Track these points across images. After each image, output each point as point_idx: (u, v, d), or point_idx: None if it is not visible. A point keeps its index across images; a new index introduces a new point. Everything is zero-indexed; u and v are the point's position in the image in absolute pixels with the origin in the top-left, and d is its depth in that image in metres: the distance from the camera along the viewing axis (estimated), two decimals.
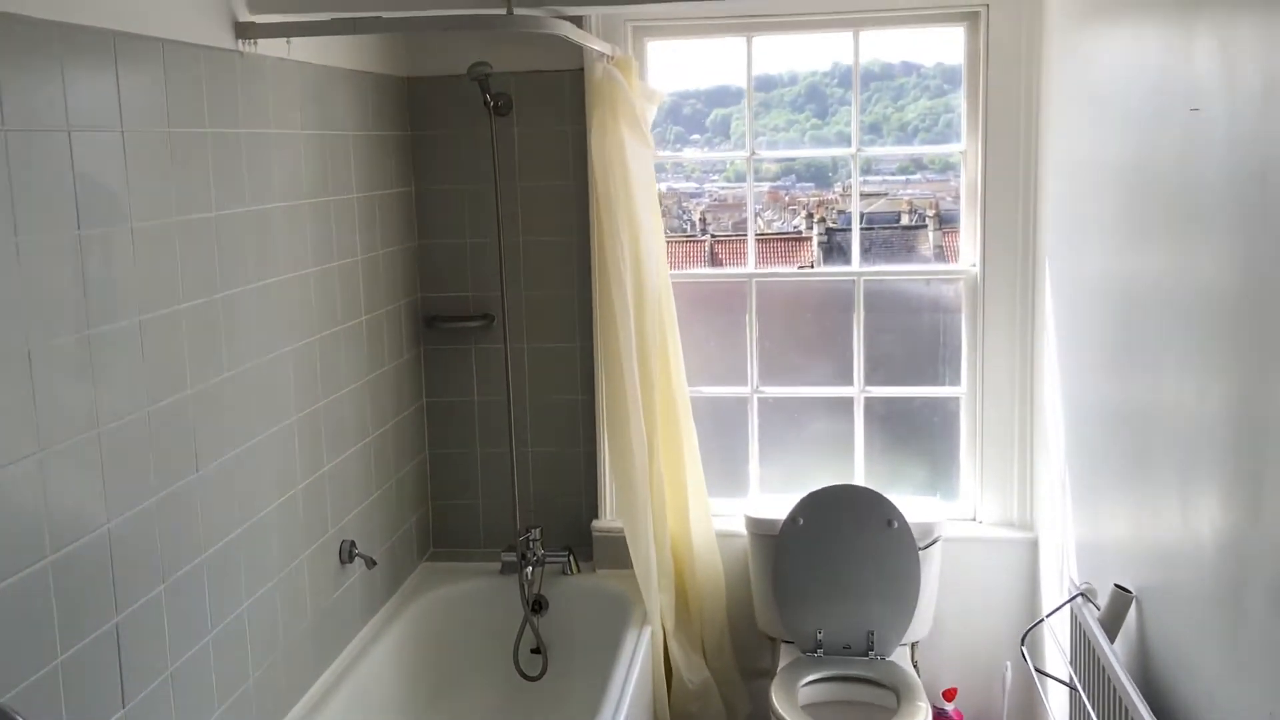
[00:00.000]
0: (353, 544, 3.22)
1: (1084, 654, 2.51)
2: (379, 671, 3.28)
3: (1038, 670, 2.73)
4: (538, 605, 3.72)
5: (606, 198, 3.32)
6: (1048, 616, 2.73)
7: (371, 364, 3.43)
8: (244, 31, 2.60)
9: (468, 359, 3.85)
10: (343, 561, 3.19)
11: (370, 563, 3.24)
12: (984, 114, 3.50)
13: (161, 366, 2.29)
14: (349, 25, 2.60)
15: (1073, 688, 2.59)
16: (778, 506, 3.55)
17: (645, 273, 3.43)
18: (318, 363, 3.05)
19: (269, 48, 2.71)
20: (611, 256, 3.33)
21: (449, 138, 3.73)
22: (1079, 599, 2.55)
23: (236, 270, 2.60)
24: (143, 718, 2.21)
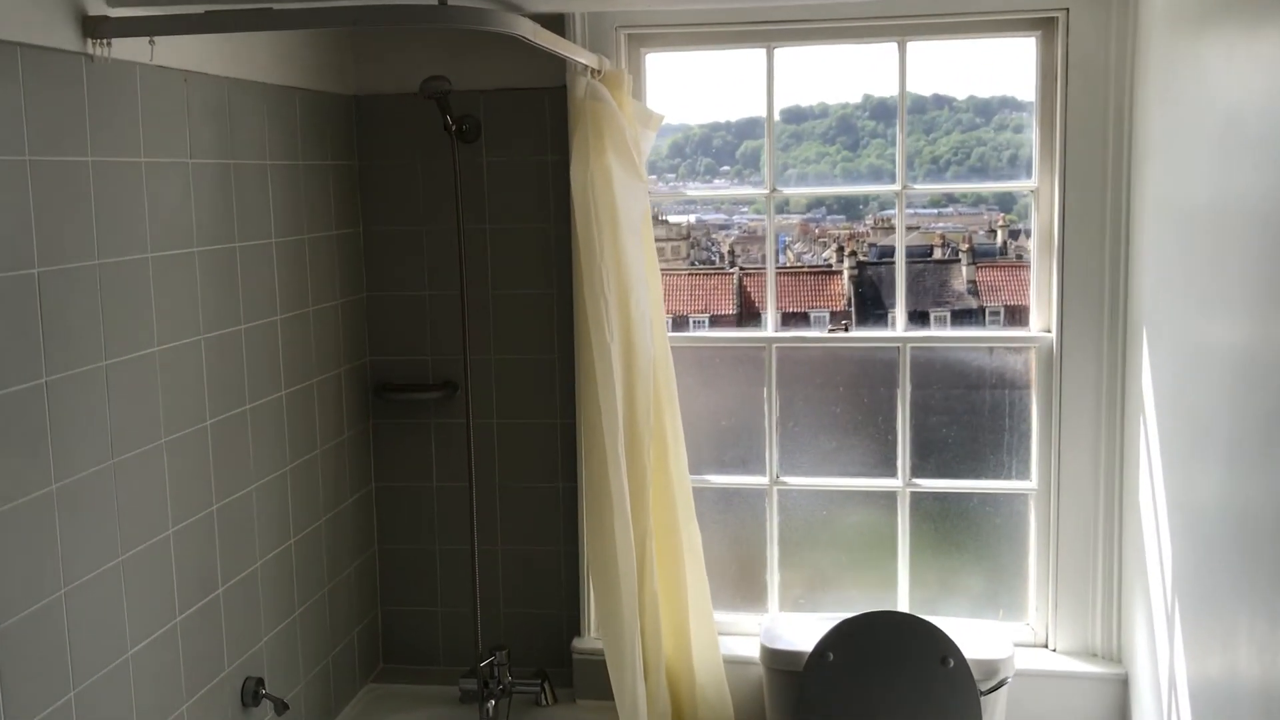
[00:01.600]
0: (259, 682, 2.54)
1: None
2: None
3: None
4: None
5: (588, 242, 2.65)
6: None
7: (297, 447, 2.76)
8: (94, 29, 1.95)
9: (425, 436, 3.17)
10: (246, 704, 2.51)
11: (280, 706, 2.55)
12: (1061, 143, 2.82)
13: None
14: (228, 20, 1.94)
15: None
16: (802, 631, 2.84)
17: (636, 336, 2.75)
18: (210, 455, 2.38)
19: (131, 50, 2.06)
20: (593, 316, 2.66)
21: (403, 168, 3.07)
22: None
23: (73, 345, 1.94)
24: None
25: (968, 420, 3.04)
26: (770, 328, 3.10)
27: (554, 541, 3.14)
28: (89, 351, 1.98)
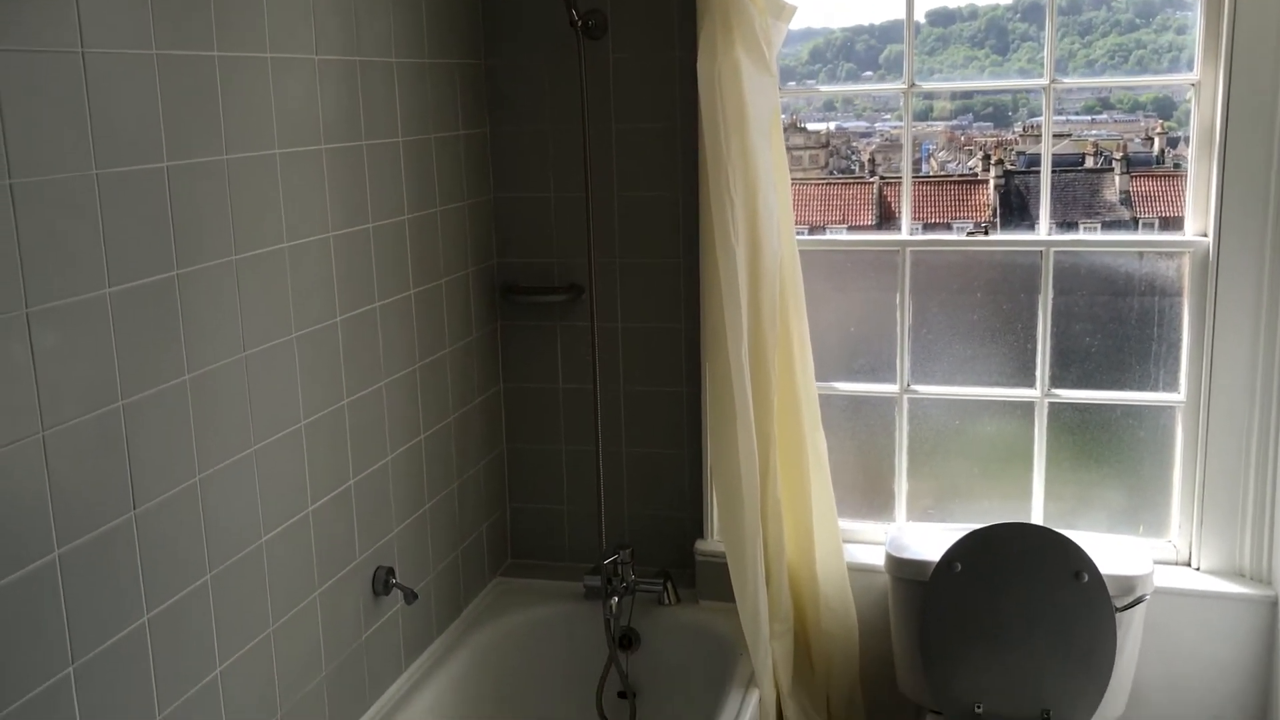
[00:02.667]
0: (390, 571, 2.62)
1: None
2: (429, 718, 2.69)
3: None
4: (627, 640, 3.06)
5: (714, 140, 2.59)
6: None
7: (426, 346, 2.79)
8: None
9: (552, 338, 3.19)
10: (377, 593, 2.60)
11: (410, 596, 2.63)
12: (1229, 31, 2.60)
13: (70, 376, 1.69)
14: None
15: None
16: (929, 541, 2.79)
17: (763, 238, 2.68)
18: (341, 350, 2.42)
19: None
20: (718, 218, 2.60)
21: (530, 67, 3.04)
22: None
23: (203, 239, 1.98)
24: None
25: (1113, 329, 2.89)
26: (905, 230, 2.99)
27: (677, 445, 3.13)
28: (219, 246, 2.02)
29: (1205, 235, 2.75)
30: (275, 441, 2.20)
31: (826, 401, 2.99)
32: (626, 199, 3.04)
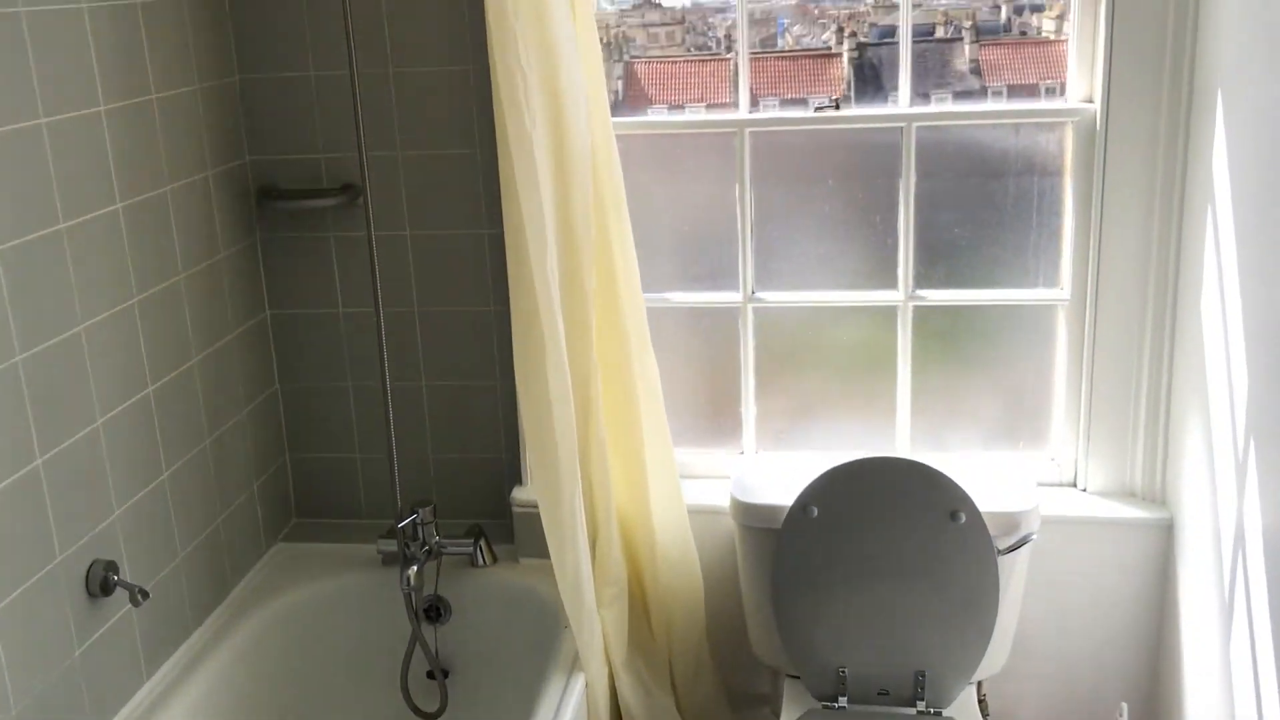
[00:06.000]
0: (110, 566, 2.06)
1: None
2: None
3: None
4: (435, 612, 2.59)
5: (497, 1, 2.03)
6: None
7: (149, 273, 2.20)
8: None
9: (325, 252, 2.61)
10: (94, 595, 2.04)
11: (139, 596, 2.08)
12: None
13: None
14: None
15: None
16: (780, 478, 2.36)
17: (569, 120, 2.16)
18: (5, 291, 1.82)
19: None
20: (509, 98, 2.06)
21: None
22: None
23: None
24: None
25: (985, 217, 2.46)
26: (743, 109, 2.49)
27: (488, 376, 2.62)
28: None
29: (1091, 101, 2.33)
30: None
31: (659, 316, 2.52)
32: (405, 75, 2.46)
